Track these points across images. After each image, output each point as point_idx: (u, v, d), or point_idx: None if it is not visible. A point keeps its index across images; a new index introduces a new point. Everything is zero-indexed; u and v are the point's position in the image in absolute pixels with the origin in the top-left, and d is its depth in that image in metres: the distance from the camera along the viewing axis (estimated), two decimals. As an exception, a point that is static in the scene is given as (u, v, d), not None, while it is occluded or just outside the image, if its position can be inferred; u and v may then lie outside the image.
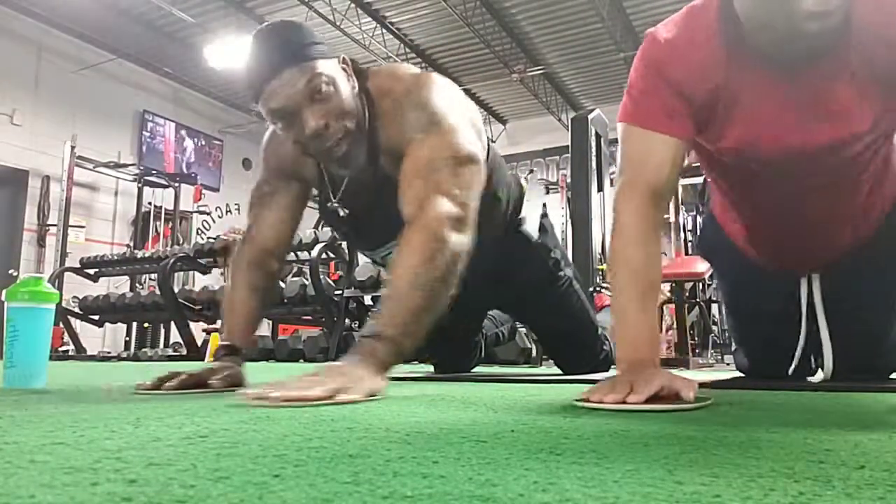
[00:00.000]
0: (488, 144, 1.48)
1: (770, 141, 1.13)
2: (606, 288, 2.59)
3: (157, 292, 5.44)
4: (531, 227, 1.74)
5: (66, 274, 6.47)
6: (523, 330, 3.40)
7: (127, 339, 6.88)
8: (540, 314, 1.94)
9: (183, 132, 9.38)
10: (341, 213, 1.46)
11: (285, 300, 4.88)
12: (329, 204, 1.46)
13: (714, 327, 5.45)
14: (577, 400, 0.92)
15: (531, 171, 9.58)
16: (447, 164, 1.21)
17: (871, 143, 1.13)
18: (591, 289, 2.60)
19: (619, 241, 1.10)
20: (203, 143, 9.69)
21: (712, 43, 1.06)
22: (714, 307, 5.34)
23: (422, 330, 1.11)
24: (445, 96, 1.30)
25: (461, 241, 1.17)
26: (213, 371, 1.27)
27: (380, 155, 1.33)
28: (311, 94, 1.20)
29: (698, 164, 1.31)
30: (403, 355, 1.09)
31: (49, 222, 7.52)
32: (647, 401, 0.86)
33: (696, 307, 4.93)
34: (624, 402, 0.86)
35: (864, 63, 1.01)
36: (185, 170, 9.19)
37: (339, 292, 4.66)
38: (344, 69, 1.27)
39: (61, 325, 5.79)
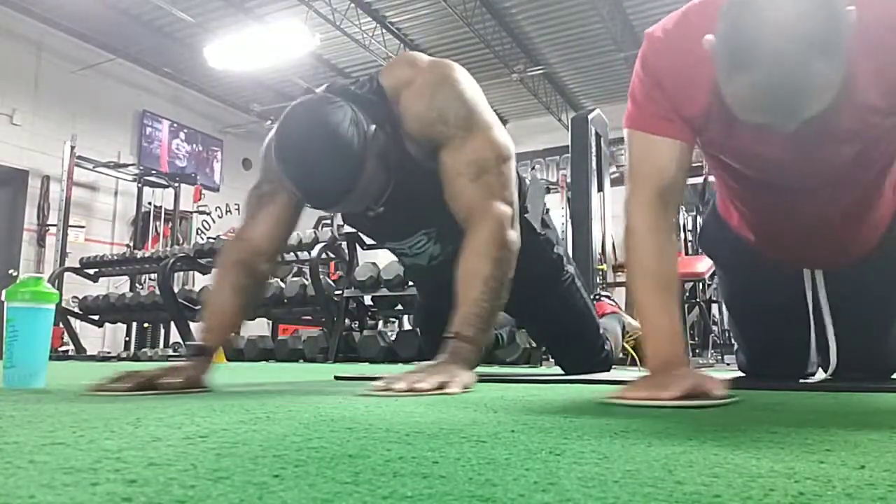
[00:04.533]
0: None
1: (774, 158, 1.12)
2: (607, 296, 2.60)
3: (157, 292, 5.44)
4: (534, 218, 1.74)
5: (66, 274, 6.47)
6: (523, 331, 3.40)
7: (127, 339, 6.87)
8: (543, 310, 1.93)
9: (182, 133, 9.36)
10: (372, 214, 1.36)
11: (285, 300, 4.87)
12: (369, 213, 1.36)
13: (714, 327, 5.46)
14: (609, 397, 0.95)
15: (533, 169, 9.56)
16: (493, 165, 1.31)
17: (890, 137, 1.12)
18: (592, 295, 2.60)
19: (631, 244, 1.12)
20: (204, 143, 9.67)
21: (706, 64, 0.93)
22: (714, 307, 5.34)
23: (492, 325, 1.26)
24: (473, 88, 1.35)
25: (516, 237, 1.32)
26: (170, 371, 1.21)
27: (405, 144, 1.32)
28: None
29: (698, 163, 1.31)
30: (481, 350, 1.24)
31: (49, 222, 7.51)
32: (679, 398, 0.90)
33: (696, 307, 4.93)
34: (657, 399, 0.90)
35: (869, 58, 0.95)
36: (190, 169, 9.16)
37: (339, 292, 4.66)
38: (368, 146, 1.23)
39: (61, 325, 5.79)
